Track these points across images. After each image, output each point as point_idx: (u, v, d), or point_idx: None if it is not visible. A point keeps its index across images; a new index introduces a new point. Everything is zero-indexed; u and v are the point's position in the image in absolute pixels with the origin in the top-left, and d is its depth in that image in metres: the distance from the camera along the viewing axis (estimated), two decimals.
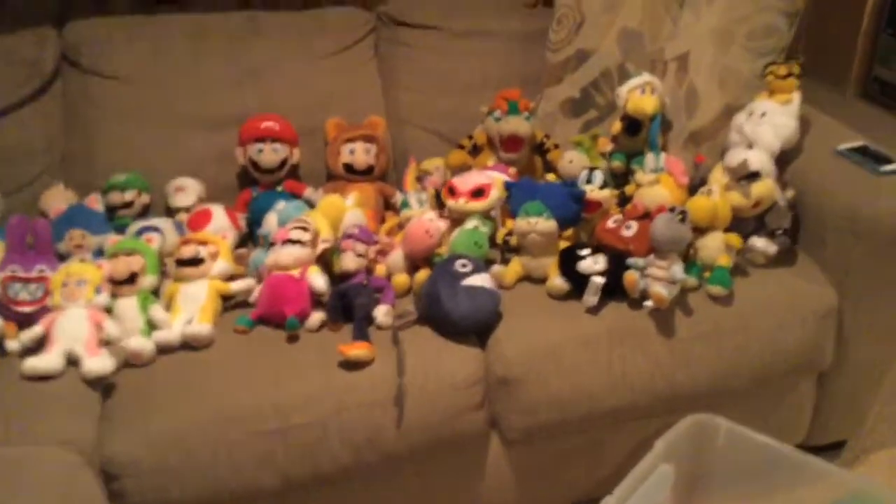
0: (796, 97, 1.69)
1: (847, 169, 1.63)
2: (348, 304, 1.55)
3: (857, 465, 1.86)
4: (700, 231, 1.57)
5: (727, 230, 1.59)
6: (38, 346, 1.47)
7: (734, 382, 1.56)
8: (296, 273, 1.57)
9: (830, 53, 3.54)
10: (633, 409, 1.54)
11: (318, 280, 1.55)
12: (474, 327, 1.51)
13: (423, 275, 1.60)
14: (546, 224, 1.55)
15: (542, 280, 1.60)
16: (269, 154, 1.80)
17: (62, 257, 1.63)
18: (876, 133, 1.72)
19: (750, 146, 1.63)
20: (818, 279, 1.61)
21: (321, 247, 1.60)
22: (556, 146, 1.90)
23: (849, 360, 1.67)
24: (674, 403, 1.55)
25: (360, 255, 1.60)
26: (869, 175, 1.59)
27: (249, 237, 1.80)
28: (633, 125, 1.75)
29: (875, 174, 1.59)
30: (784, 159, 1.70)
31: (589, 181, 1.65)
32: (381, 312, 1.54)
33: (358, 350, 1.44)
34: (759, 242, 1.59)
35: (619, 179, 1.79)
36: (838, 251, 1.59)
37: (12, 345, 1.48)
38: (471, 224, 1.63)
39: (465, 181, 1.68)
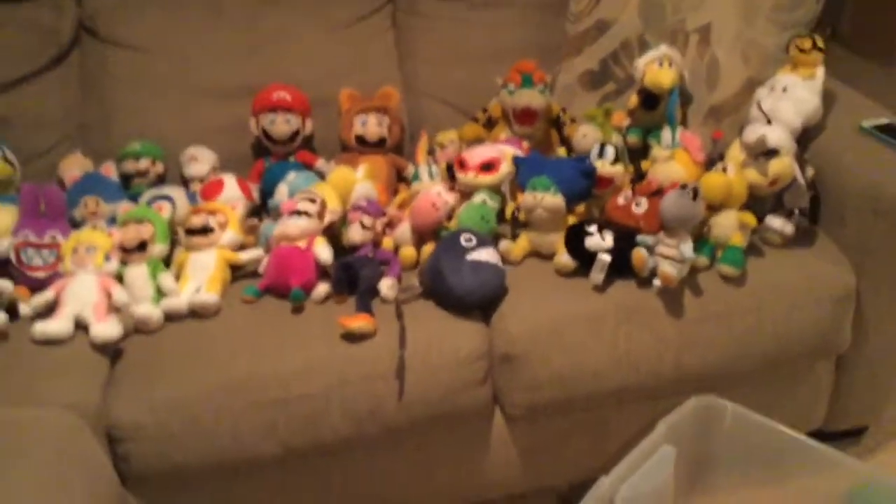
0: (820, 72, 1.63)
1: (871, 146, 1.57)
2: (354, 276, 1.54)
3: (878, 452, 1.82)
4: (714, 209, 1.53)
5: (743, 208, 1.54)
6: (49, 310, 1.49)
7: (745, 365, 1.53)
8: (302, 244, 1.57)
9: (876, 23, 3.41)
10: (639, 389, 1.51)
11: (323, 251, 1.55)
12: (479, 302, 1.50)
13: (429, 248, 1.59)
14: (553, 199, 1.53)
15: (549, 256, 1.57)
16: (282, 125, 1.80)
17: (77, 224, 1.66)
18: None
19: (769, 122, 1.58)
20: (837, 260, 1.56)
21: (328, 218, 1.60)
22: (573, 120, 1.86)
23: (868, 343, 1.62)
24: (681, 385, 1.52)
25: (366, 228, 1.60)
26: (892, 153, 1.53)
27: (263, 208, 1.81)
28: (649, 99, 1.71)
29: None
30: (806, 136, 1.65)
31: (601, 156, 1.61)
32: (386, 285, 1.53)
33: (359, 322, 1.44)
34: (776, 222, 1.54)
35: (635, 155, 1.75)
36: (859, 231, 1.54)
37: (24, 309, 1.51)
38: (478, 198, 1.62)
39: (475, 154, 1.65)
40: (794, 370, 1.63)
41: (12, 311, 1.50)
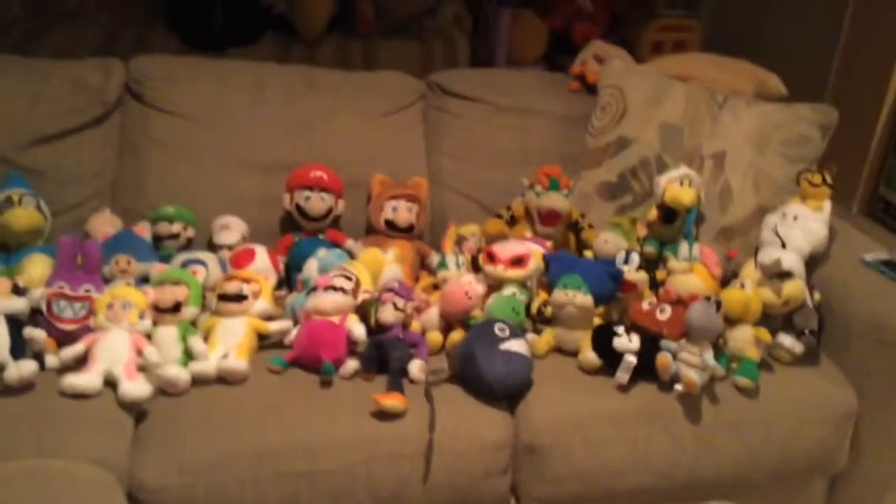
0: (827, 205, 1.77)
1: (873, 278, 1.69)
2: (383, 355, 1.58)
3: None
4: (730, 323, 1.62)
5: (755, 325, 1.64)
6: (76, 364, 1.48)
7: (755, 475, 1.59)
8: (335, 319, 1.60)
9: (839, 169, 3.68)
10: (653, 490, 1.56)
11: (358, 328, 1.58)
12: (507, 391, 1.54)
13: (457, 335, 1.64)
14: (583, 298, 1.60)
15: (572, 353, 1.63)
16: (317, 202, 1.86)
17: (106, 280, 1.66)
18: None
19: (783, 246, 1.70)
20: (840, 382, 1.66)
21: (362, 297, 1.64)
22: (591, 226, 1.96)
23: (861, 466, 1.70)
24: (693, 490, 1.57)
25: (398, 309, 1.64)
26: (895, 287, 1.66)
27: (286, 281, 1.84)
28: (669, 214, 1.82)
29: None
30: (811, 264, 1.77)
31: (626, 262, 1.71)
32: (416, 367, 1.57)
33: (393, 401, 1.46)
34: (787, 340, 1.64)
35: (650, 265, 1.85)
36: (861, 357, 1.64)
37: (52, 360, 1.49)
38: (508, 291, 1.68)
39: (505, 249, 1.73)
40: (793, 485, 1.70)
41: (37, 360, 1.48)
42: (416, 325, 1.69)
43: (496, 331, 1.55)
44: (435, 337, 1.66)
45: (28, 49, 2.51)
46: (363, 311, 1.65)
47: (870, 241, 1.86)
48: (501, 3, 3.28)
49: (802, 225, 1.74)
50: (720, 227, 1.89)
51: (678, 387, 1.53)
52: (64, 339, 1.52)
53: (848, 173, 3.63)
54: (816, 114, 1.92)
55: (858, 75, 3.64)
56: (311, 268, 1.76)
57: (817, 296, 1.70)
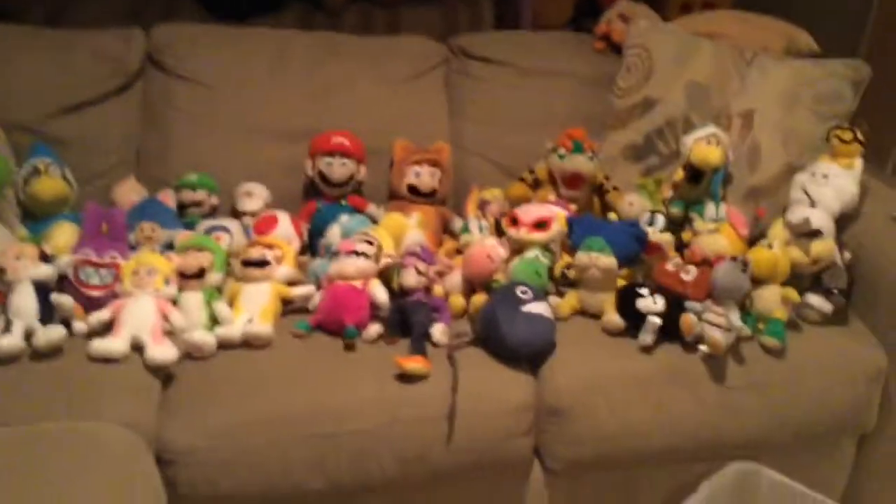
0: (858, 163, 1.73)
1: None
2: (406, 319, 1.58)
3: None
4: (758, 283, 1.59)
5: (783, 285, 1.61)
6: (103, 329, 1.51)
7: (780, 436, 1.57)
8: (358, 284, 1.60)
9: (873, 127, 3.60)
10: (678, 451, 1.55)
11: (380, 292, 1.58)
12: (530, 354, 1.53)
13: (479, 298, 1.63)
14: (607, 260, 1.59)
15: (595, 315, 1.62)
16: (339, 168, 1.86)
17: (131, 247, 1.68)
18: None
19: (812, 205, 1.66)
20: (869, 341, 1.63)
21: (384, 261, 1.64)
22: (616, 188, 1.94)
23: (892, 424, 1.67)
24: (717, 451, 1.56)
25: (420, 274, 1.64)
26: None
27: (309, 247, 1.84)
28: (695, 174, 1.79)
29: None
30: (842, 222, 1.73)
31: (651, 223, 1.68)
32: (439, 331, 1.57)
33: (415, 364, 1.47)
34: (815, 300, 1.61)
35: (675, 226, 1.82)
36: (890, 315, 1.61)
37: (79, 326, 1.51)
38: (531, 254, 1.67)
39: (528, 212, 1.72)
40: (820, 445, 1.68)
41: (66, 327, 1.51)
42: (438, 290, 1.69)
43: (518, 293, 1.54)
44: (458, 301, 1.66)
45: (54, 22, 2.53)
46: (386, 276, 1.66)
47: None
48: None
49: (832, 183, 1.70)
50: (749, 186, 1.86)
51: (703, 347, 1.51)
52: (91, 305, 1.54)
53: (883, 132, 3.55)
54: (848, 69, 1.87)
55: (894, 32, 3.54)
56: (333, 233, 1.76)
57: (847, 255, 1.66)
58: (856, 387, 1.58)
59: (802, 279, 1.64)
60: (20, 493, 1.13)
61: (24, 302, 1.46)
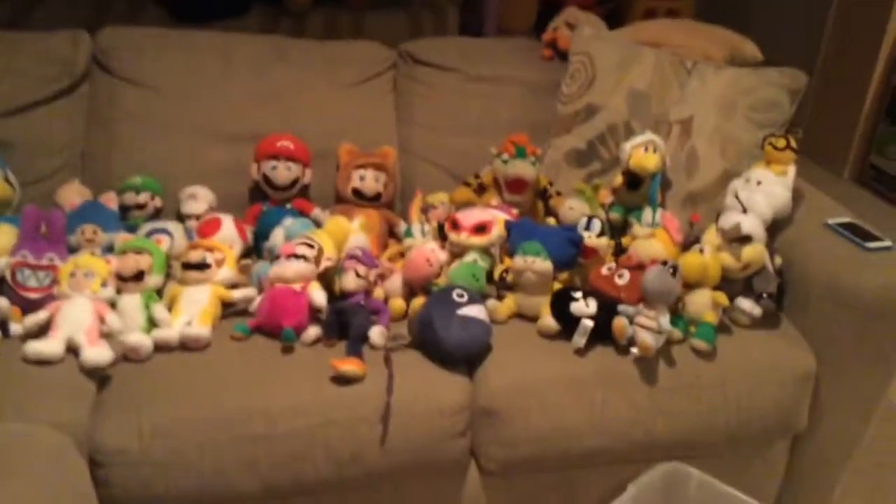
0: (791, 169, 1.77)
1: (835, 242, 1.70)
2: (345, 322, 1.60)
3: None
4: (689, 287, 1.63)
5: (715, 289, 1.65)
6: (40, 331, 1.51)
7: (711, 436, 1.61)
8: (297, 287, 1.62)
9: (830, 136, 3.68)
10: (610, 452, 1.58)
11: (318, 295, 1.60)
12: (465, 356, 1.56)
13: (419, 301, 1.66)
14: (542, 264, 1.61)
15: (533, 318, 1.65)
16: (283, 171, 1.87)
17: (73, 250, 1.68)
18: (867, 217, 1.79)
19: (744, 211, 1.70)
20: (799, 344, 1.67)
21: (324, 264, 1.66)
22: (559, 193, 1.97)
23: (822, 427, 1.71)
24: (650, 451, 1.59)
25: (360, 277, 1.65)
26: (855, 250, 1.66)
27: (254, 250, 1.86)
28: (633, 180, 1.83)
29: (861, 249, 1.66)
30: (775, 228, 1.77)
31: (587, 228, 1.72)
32: (376, 333, 1.59)
33: (350, 366, 1.48)
34: (745, 304, 1.65)
35: (616, 231, 1.86)
36: (820, 320, 1.65)
37: (16, 328, 1.52)
38: (470, 258, 1.69)
39: (469, 216, 1.74)
40: (753, 447, 1.72)
41: (2, 329, 1.51)
42: (379, 293, 1.71)
43: (454, 297, 1.56)
44: (398, 304, 1.68)
45: (17, 24, 2.53)
46: (327, 279, 1.67)
47: (837, 205, 1.85)
48: None
49: (765, 189, 1.74)
50: (686, 192, 1.89)
51: (634, 350, 1.54)
52: (29, 307, 1.55)
53: (839, 141, 3.63)
54: (785, 78, 1.92)
55: (849, 44, 3.63)
56: (277, 236, 1.78)
57: (778, 260, 1.70)
58: (784, 388, 1.62)
59: (734, 284, 1.68)
60: None
61: None
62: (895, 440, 2.19)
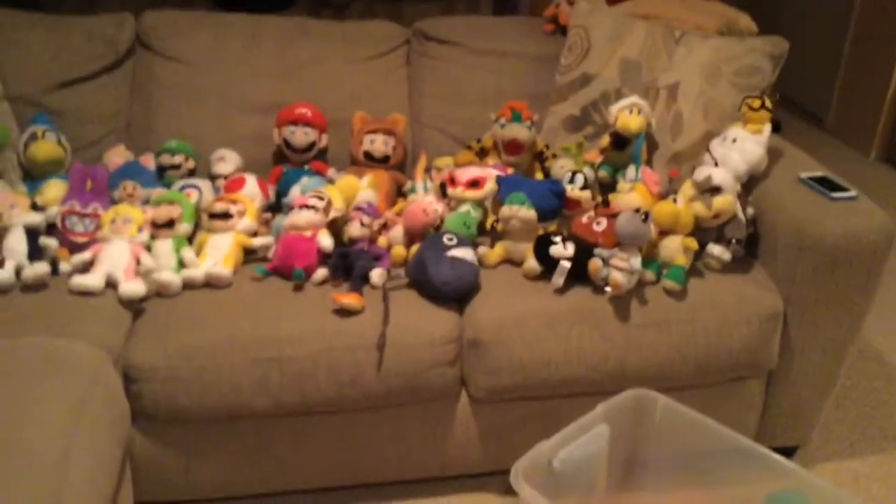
0: (766, 128, 1.89)
1: (803, 193, 1.82)
2: (349, 264, 1.79)
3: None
4: (663, 234, 1.77)
5: (689, 236, 1.79)
6: (84, 269, 1.74)
7: (680, 368, 1.75)
8: (308, 234, 1.81)
9: (857, 117, 3.74)
10: (586, 382, 1.73)
11: (325, 240, 1.79)
12: (454, 293, 1.73)
13: (417, 248, 1.84)
14: (526, 213, 1.78)
15: (520, 263, 1.81)
16: (300, 136, 2.07)
17: (114, 202, 1.91)
18: (894, 195, 1.88)
19: (717, 164, 1.83)
20: (767, 287, 1.79)
21: (332, 214, 1.85)
22: (555, 155, 2.13)
23: (794, 365, 1.84)
24: (623, 382, 1.74)
25: (364, 226, 1.84)
26: (821, 199, 1.78)
27: (277, 207, 2.06)
28: (619, 140, 1.98)
29: (826, 199, 1.78)
30: (752, 182, 1.90)
31: (571, 182, 1.87)
32: (376, 274, 1.77)
33: (349, 299, 1.67)
34: (716, 249, 1.78)
35: (605, 188, 2.01)
36: (787, 265, 1.78)
37: (65, 266, 1.75)
38: (463, 208, 1.87)
39: (465, 173, 1.92)
40: (727, 384, 1.85)
41: (53, 267, 1.75)
42: (383, 241, 1.90)
43: (445, 240, 1.74)
44: (399, 251, 1.86)
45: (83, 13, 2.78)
46: (336, 228, 1.87)
47: (813, 162, 1.97)
48: None
49: (740, 146, 1.87)
50: (672, 152, 2.03)
51: (607, 289, 1.70)
52: (77, 250, 1.79)
53: (866, 121, 3.68)
54: (767, 45, 2.04)
55: (877, 25, 3.67)
56: (294, 193, 1.98)
57: (751, 210, 1.83)
58: (750, 326, 1.75)
59: (708, 232, 1.82)
60: None
61: (16, 243, 1.71)
62: (879, 390, 2.28)
